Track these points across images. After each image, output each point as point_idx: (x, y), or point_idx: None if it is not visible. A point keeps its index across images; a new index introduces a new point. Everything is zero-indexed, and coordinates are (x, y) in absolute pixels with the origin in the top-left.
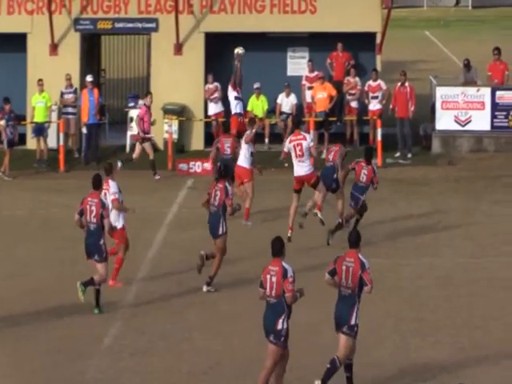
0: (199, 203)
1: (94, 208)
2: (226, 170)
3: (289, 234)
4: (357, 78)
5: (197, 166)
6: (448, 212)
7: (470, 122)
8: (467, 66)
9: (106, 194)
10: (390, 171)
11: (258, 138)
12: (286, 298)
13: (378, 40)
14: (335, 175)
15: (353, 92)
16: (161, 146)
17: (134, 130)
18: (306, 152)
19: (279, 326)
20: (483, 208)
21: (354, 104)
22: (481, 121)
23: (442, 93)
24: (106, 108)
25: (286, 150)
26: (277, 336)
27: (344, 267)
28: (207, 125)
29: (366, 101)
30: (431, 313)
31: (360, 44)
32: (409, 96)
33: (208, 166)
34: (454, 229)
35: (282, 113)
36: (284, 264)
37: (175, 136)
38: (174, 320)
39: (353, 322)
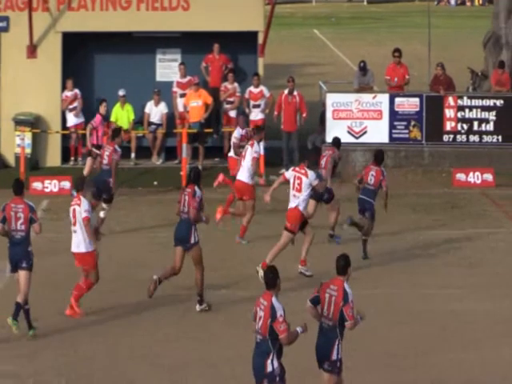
0: (53, 227)
1: (21, 214)
2: (195, 175)
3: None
4: (235, 84)
5: (53, 185)
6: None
7: (365, 133)
8: (363, 69)
9: (74, 209)
10: (279, 190)
11: (123, 153)
12: (281, 341)
13: (261, 40)
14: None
15: (231, 100)
16: (12, 162)
17: None
18: (304, 188)
19: (269, 369)
20: (378, 233)
21: (232, 113)
22: (378, 132)
23: (333, 100)
24: None
25: (287, 175)
26: (270, 380)
27: (327, 295)
28: (65, 138)
29: (247, 110)
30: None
31: (240, 45)
32: (298, 107)
33: (67, 184)
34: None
35: (150, 123)
36: (274, 301)
37: (28, 150)
38: (26, 361)
39: (334, 357)
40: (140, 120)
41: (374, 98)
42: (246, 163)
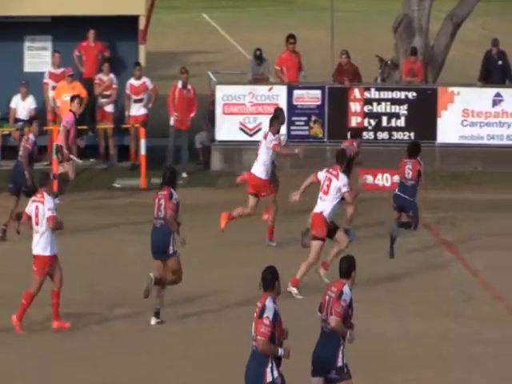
0: None
1: None
2: (171, 176)
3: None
4: (111, 75)
5: None
6: (229, 246)
7: (259, 130)
8: (259, 57)
9: (37, 207)
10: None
11: None
12: (256, 342)
13: (142, 26)
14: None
15: (107, 93)
16: None
17: None
18: (332, 192)
19: (269, 379)
20: (277, 241)
21: (109, 108)
22: None
23: (223, 93)
24: None
25: (319, 176)
26: None
27: (327, 297)
28: None
29: (126, 112)
30: None
31: (118, 31)
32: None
33: None
34: (236, 268)
35: (17, 120)
36: (268, 301)
37: None
38: None
39: (340, 363)
40: (5, 116)
41: (269, 90)
42: (260, 157)
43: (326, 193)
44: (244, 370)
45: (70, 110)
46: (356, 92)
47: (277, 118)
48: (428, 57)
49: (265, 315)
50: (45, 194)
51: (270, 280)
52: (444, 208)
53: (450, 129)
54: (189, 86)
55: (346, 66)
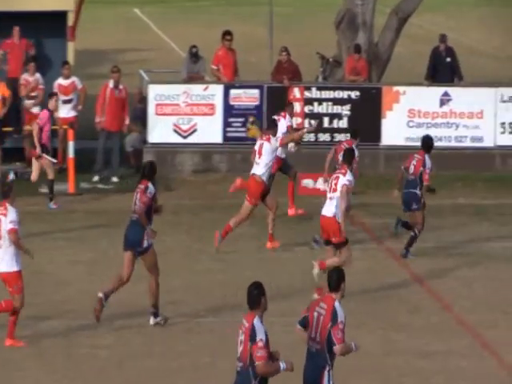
0: None
1: None
2: (149, 169)
3: None
4: (37, 75)
5: None
6: (163, 255)
7: (194, 131)
8: (195, 55)
9: (0, 219)
10: (86, 199)
11: None
12: (256, 368)
13: (71, 22)
14: None
15: (33, 94)
16: None
17: None
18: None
19: None
20: (209, 249)
21: (35, 110)
22: (209, 130)
23: (156, 92)
24: None
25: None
26: None
27: (315, 314)
28: None
29: (59, 112)
30: None
31: (45, 28)
32: (125, 103)
33: None
34: (173, 277)
35: None
36: (256, 321)
37: None
38: None
39: None
40: None
41: (205, 89)
42: (263, 160)
43: (335, 190)
44: None
45: (47, 108)
46: (296, 91)
47: (275, 124)
48: (372, 54)
49: (258, 338)
50: (8, 206)
51: (256, 296)
52: (388, 214)
53: (395, 130)
54: (120, 86)
55: (286, 64)
